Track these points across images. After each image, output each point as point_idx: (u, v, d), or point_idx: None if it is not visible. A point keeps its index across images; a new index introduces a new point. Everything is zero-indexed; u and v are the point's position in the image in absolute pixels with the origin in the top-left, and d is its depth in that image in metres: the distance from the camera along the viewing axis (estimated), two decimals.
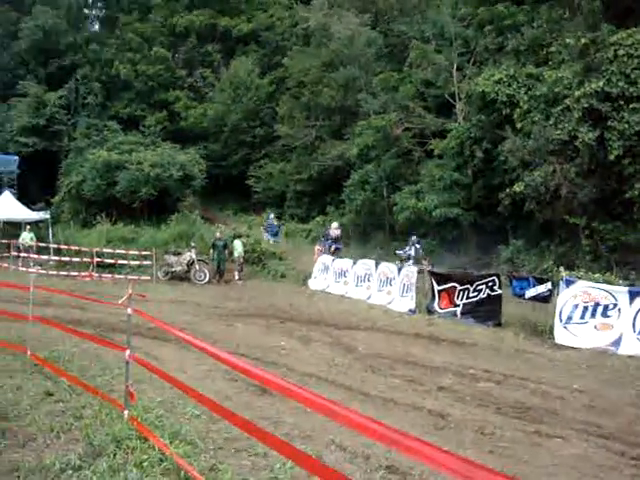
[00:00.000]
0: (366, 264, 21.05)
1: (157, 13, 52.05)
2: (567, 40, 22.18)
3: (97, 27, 55.02)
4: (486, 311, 15.61)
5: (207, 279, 24.43)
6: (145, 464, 5.31)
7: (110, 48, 49.27)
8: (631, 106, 19.26)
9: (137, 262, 25.92)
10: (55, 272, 25.16)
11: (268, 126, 44.24)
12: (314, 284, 23.22)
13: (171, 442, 5.77)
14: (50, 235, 29.49)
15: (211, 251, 25.07)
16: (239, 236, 26.84)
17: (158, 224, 31.33)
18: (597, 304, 13.03)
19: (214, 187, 41.27)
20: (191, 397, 5.89)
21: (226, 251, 25.19)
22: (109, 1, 52.03)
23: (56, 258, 27.02)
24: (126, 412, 6.33)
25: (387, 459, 5.94)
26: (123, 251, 26.17)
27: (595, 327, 12.94)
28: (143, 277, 24.59)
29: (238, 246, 25.41)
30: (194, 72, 50.03)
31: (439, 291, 17.16)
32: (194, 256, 24.55)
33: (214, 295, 21.41)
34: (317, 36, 40.19)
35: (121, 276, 24.73)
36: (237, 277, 25.13)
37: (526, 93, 23.26)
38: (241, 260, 25.38)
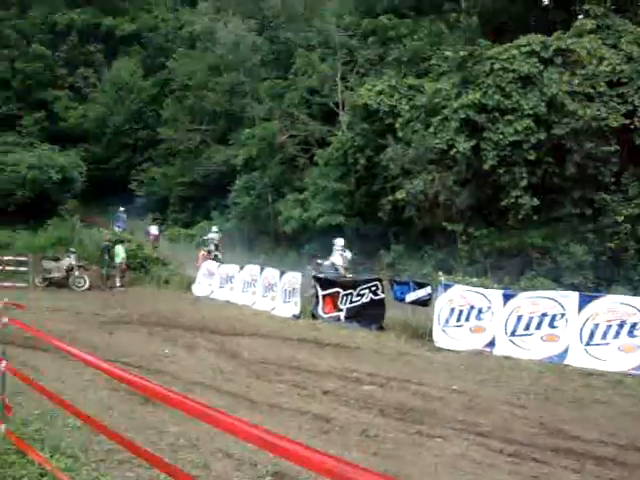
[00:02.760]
0: (252, 270, 21.04)
1: (37, 10, 49.96)
2: (446, 53, 23.03)
3: None
4: (370, 315, 15.87)
5: (87, 286, 23.69)
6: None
7: None
8: (506, 118, 20.20)
9: (12, 268, 24.77)
10: None
11: (151, 129, 43.42)
12: (198, 290, 22.95)
13: (52, 456, 5.58)
14: None
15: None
16: (121, 241, 26.13)
17: (35, 229, 30.04)
18: (472, 307, 13.51)
19: (95, 190, 40.02)
20: (68, 411, 5.72)
21: (106, 256, 24.59)
22: None
23: None
24: (3, 426, 6.06)
25: (274, 465, 5.96)
26: None
27: (470, 329, 13.44)
28: (19, 284, 23.52)
29: (120, 251, 24.77)
30: (75, 72, 48.34)
31: (323, 296, 17.33)
32: (73, 262, 23.75)
33: (95, 302, 20.75)
34: (202, 40, 39.91)
35: None
36: (119, 283, 24.50)
37: (407, 103, 23.94)
38: (123, 266, 24.79)
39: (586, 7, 22.13)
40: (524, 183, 20.03)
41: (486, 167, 20.22)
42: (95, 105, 45.70)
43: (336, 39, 31.08)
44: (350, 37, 31.84)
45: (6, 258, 24.91)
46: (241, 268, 21.63)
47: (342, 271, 19.16)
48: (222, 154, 36.19)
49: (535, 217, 20.47)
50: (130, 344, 13.27)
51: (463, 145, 20.59)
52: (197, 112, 40.08)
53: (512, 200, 20.25)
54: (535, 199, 20.13)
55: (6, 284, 22.68)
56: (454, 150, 20.94)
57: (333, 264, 19.42)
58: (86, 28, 48.72)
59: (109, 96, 45.04)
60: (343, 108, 29.65)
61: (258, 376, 10.54)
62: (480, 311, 13.31)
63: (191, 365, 11.34)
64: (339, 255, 19.63)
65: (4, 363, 6.12)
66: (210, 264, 23.48)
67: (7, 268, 24.78)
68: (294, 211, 27.83)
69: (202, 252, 25.65)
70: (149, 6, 51.86)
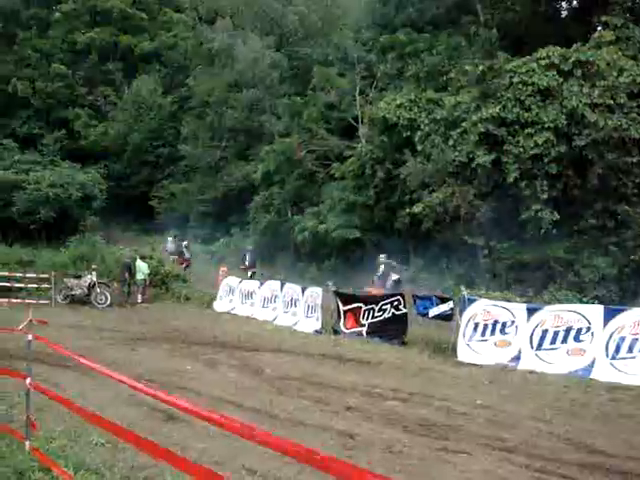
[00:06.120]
0: (272, 285, 21.05)
1: (57, 29, 50.50)
2: (465, 67, 22.96)
3: None
4: (392, 330, 15.82)
5: (109, 302, 23.77)
6: None
7: (7, 64, 47.44)
8: (526, 131, 20.07)
9: (35, 285, 24.89)
10: None
11: (171, 146, 43.68)
12: (219, 306, 23.00)
13: (76, 472, 5.59)
14: None
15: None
16: (143, 257, 26.20)
17: (57, 246, 30.30)
18: (496, 321, 13.44)
19: (116, 208, 40.27)
20: (96, 425, 5.72)
21: (126, 273, 24.70)
22: (7, 16, 49.99)
23: None
24: (27, 442, 6.08)
25: None
26: (20, 274, 25.11)
27: (495, 344, 13.35)
28: (41, 301, 23.65)
29: (143, 268, 24.86)
30: (95, 90, 48.76)
31: (345, 311, 17.30)
32: (95, 279, 23.85)
33: (116, 319, 20.88)
34: (221, 57, 40.09)
35: (18, 300, 23.69)
36: (140, 300, 24.60)
37: (426, 117, 23.87)
38: (145, 282, 24.87)
39: (605, 19, 21.98)
40: (545, 196, 19.88)
41: (510, 180, 20.11)
42: (115, 123, 46.06)
43: (354, 54, 31.17)
44: (368, 52, 31.91)
45: (28, 276, 25.04)
46: (261, 284, 21.69)
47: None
48: (242, 170, 36.35)
49: (555, 230, 20.30)
50: (152, 360, 13.30)
51: (483, 158, 20.51)
52: (216, 129, 40.26)
53: (532, 213, 20.09)
54: (555, 213, 19.94)
55: (28, 301, 22.83)
56: (474, 163, 20.87)
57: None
58: (105, 47, 49.14)
59: (129, 114, 45.36)
60: (362, 123, 29.67)
61: (281, 392, 10.52)
62: (504, 325, 13.24)
63: (213, 381, 11.33)
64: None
65: (29, 380, 6.15)
66: (230, 280, 23.52)
67: (29, 285, 24.93)
68: (309, 223, 27.87)
69: (223, 268, 25.68)
70: (168, 25, 52.28)
